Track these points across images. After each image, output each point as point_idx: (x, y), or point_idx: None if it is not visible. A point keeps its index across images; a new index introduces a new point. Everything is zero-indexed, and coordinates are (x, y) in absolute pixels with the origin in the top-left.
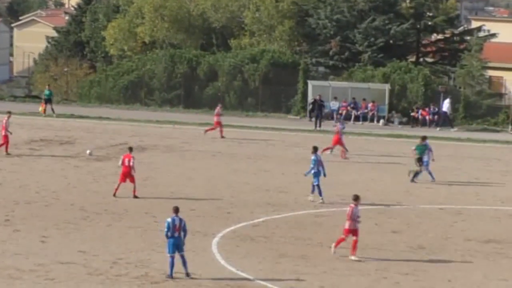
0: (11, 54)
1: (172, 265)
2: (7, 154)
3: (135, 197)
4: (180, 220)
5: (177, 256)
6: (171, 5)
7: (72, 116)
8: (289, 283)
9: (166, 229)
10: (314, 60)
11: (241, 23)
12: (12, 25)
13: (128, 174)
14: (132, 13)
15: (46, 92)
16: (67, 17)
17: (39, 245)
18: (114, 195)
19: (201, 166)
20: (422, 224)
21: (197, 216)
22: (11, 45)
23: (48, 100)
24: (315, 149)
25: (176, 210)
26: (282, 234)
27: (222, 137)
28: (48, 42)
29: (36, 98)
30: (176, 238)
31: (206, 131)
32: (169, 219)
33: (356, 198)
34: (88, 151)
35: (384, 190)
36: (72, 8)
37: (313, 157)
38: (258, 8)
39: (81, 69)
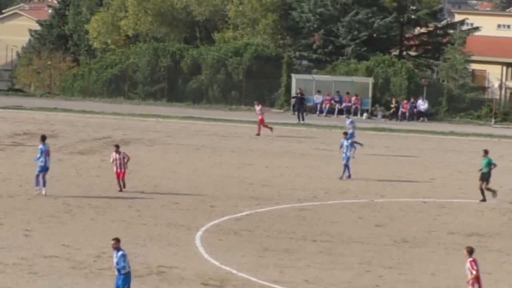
0: None
1: None
2: None
3: (120, 190)
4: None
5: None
6: None
7: (55, 109)
8: (273, 276)
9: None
10: (297, 53)
11: (224, 17)
12: None
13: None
14: (116, 6)
15: None
16: (50, 11)
17: (22, 239)
18: (120, 190)
19: (185, 159)
20: (405, 218)
21: (181, 209)
22: None
23: None
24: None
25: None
26: (265, 228)
27: (258, 134)
28: (31, 36)
29: (19, 91)
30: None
31: (265, 127)
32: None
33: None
34: None
35: (367, 184)
36: (56, 1)
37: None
38: (242, 2)
39: (65, 62)
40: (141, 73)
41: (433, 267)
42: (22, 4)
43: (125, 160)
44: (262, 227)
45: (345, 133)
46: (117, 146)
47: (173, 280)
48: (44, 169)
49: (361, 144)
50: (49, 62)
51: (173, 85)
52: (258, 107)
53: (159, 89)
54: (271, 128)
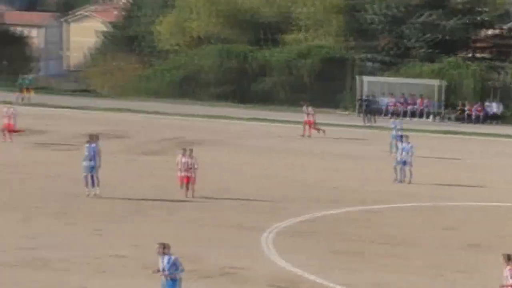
0: (61, 49)
1: None
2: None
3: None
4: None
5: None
6: (222, 0)
7: (124, 110)
8: (341, 279)
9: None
10: (364, 55)
11: (291, 19)
12: (65, 19)
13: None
14: (183, 8)
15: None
16: (116, 12)
17: (94, 238)
18: (186, 195)
19: (252, 161)
20: (475, 222)
21: (249, 211)
22: (61, 39)
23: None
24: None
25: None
26: (334, 230)
27: (303, 136)
28: (103, 36)
29: (88, 92)
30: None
31: (315, 129)
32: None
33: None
34: None
35: (435, 187)
36: (124, 3)
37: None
38: (308, 4)
39: (133, 63)
40: (209, 74)
41: None
42: (92, 6)
43: (194, 165)
44: (330, 230)
45: (403, 136)
46: (186, 150)
47: (241, 281)
48: (92, 169)
49: (397, 148)
50: (117, 63)
51: (240, 87)
52: (308, 109)
53: (227, 90)
54: (320, 130)
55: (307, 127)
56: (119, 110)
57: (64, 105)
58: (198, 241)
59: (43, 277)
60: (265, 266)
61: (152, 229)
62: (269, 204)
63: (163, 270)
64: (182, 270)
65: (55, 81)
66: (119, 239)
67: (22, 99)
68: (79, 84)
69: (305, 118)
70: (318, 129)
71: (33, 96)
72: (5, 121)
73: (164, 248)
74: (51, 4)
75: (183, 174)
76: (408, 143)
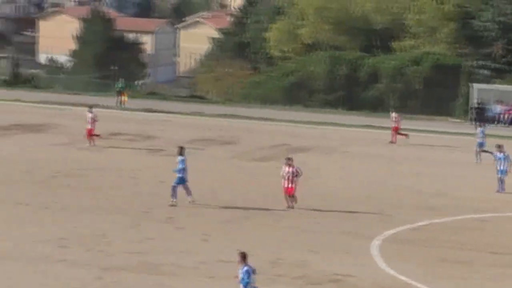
0: (174, 55)
1: None
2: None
3: (288, 207)
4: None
5: None
6: (333, 7)
7: (234, 116)
8: None
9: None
10: (477, 62)
11: (403, 25)
12: (177, 26)
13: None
14: (294, 15)
15: (119, 84)
16: (229, 19)
17: (201, 243)
18: (288, 207)
19: (361, 168)
20: None
21: (356, 218)
22: (174, 46)
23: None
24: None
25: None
26: (443, 238)
27: (392, 142)
28: (213, 43)
29: (198, 98)
30: None
31: (400, 135)
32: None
33: None
34: None
35: None
36: (235, 10)
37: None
38: (421, 10)
39: (243, 70)
40: (319, 81)
41: None
42: (203, 13)
43: (297, 174)
44: (439, 238)
45: (499, 146)
46: (289, 159)
47: None
48: (182, 180)
49: (491, 153)
50: (228, 70)
51: (350, 93)
52: (394, 115)
53: (337, 97)
54: (406, 135)
55: (393, 133)
56: (228, 116)
57: (175, 110)
58: (306, 247)
59: (151, 282)
60: (373, 273)
61: (259, 235)
62: (377, 211)
63: (241, 280)
64: (246, 283)
65: (166, 87)
66: (226, 245)
67: (120, 103)
68: (189, 90)
69: (392, 124)
70: (403, 135)
71: (126, 100)
72: (88, 126)
73: (245, 257)
74: (163, 11)
75: (286, 185)
76: (504, 152)
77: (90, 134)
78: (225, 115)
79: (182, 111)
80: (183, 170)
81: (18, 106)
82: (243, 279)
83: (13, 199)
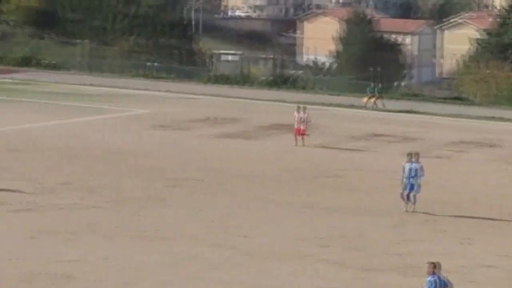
0: (434, 56)
1: None
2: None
3: None
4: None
5: None
6: None
7: (496, 118)
8: None
9: None
10: None
11: None
12: (439, 27)
13: None
14: None
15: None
16: (494, 19)
17: (461, 247)
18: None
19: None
20: None
21: None
22: (434, 47)
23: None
24: None
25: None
26: None
27: None
28: (477, 44)
29: (459, 99)
30: None
31: None
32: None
33: None
34: None
35: None
36: (499, 10)
37: None
38: None
39: (506, 72)
40: None
41: None
42: (466, 13)
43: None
44: None
45: None
46: None
47: None
48: (413, 188)
49: None
50: (490, 71)
51: None
52: None
53: None
54: None
55: None
56: (492, 118)
57: (435, 112)
58: None
59: (407, 285)
60: None
61: None
62: None
63: None
64: None
65: (428, 88)
66: (487, 249)
67: (374, 104)
68: (451, 91)
69: None
70: None
71: (378, 103)
72: (296, 125)
73: (435, 268)
74: (425, 12)
75: None
76: None
77: (299, 134)
78: (488, 118)
79: (442, 113)
80: (414, 177)
81: (280, 106)
82: None
83: (276, 198)
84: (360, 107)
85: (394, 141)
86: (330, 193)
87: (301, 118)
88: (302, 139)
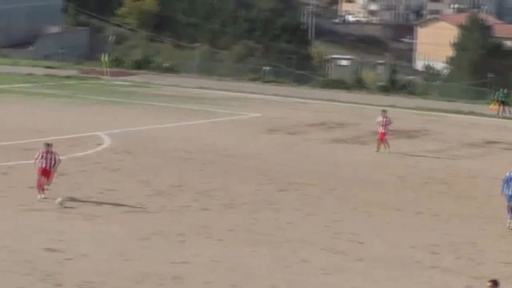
0: None
1: None
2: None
3: None
4: None
5: None
6: None
7: None
8: None
9: None
10: None
11: None
12: None
13: None
14: None
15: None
16: None
17: None
18: None
19: None
20: None
21: None
22: None
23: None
24: None
25: None
26: None
27: None
28: None
29: None
30: None
31: None
32: None
33: None
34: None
35: None
36: None
37: None
38: None
39: None
40: None
41: None
42: None
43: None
44: None
45: None
46: None
47: None
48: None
49: None
50: None
51: None
52: None
53: None
54: None
55: None
56: None
57: None
58: None
59: None
60: None
61: None
62: None
63: None
64: None
65: None
66: None
67: (501, 112)
68: None
69: None
70: None
71: (494, 109)
72: (380, 129)
73: (496, 286)
74: None
75: None
76: None
77: (382, 138)
78: None
79: None
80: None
81: (393, 111)
82: None
83: (388, 204)
84: (491, 115)
85: (510, 149)
86: (440, 200)
87: (384, 121)
88: (386, 144)
